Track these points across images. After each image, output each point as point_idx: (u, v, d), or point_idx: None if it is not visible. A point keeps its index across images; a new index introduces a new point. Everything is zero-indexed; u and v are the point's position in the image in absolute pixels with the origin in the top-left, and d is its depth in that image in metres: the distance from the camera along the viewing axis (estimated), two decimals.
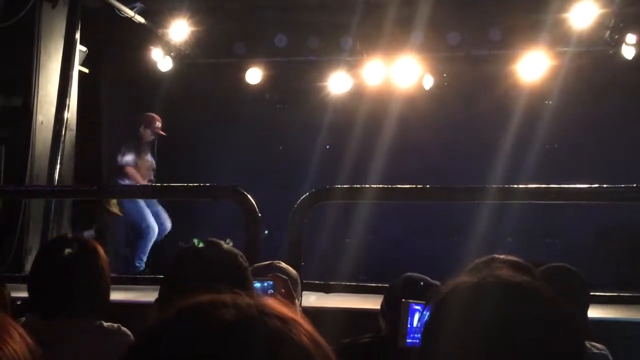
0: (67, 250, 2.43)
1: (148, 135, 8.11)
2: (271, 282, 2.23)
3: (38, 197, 6.32)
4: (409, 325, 2.03)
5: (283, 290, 2.23)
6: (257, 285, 2.22)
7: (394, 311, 2.86)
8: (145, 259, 7.85)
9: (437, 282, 2.90)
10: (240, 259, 2.07)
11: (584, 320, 2.59)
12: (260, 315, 0.82)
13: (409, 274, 2.98)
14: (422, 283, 2.84)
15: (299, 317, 0.85)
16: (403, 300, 2.01)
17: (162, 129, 8.19)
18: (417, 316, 1.99)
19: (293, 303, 2.22)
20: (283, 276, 2.25)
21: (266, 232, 8.73)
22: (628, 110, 8.72)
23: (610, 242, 8.11)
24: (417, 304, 2.00)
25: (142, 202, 7.90)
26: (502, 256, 2.25)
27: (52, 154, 6.66)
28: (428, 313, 1.24)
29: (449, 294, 1.18)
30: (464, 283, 1.18)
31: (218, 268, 2.01)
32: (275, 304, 0.86)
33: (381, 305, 2.95)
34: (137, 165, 7.99)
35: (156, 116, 8.13)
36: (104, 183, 8.76)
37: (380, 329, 2.90)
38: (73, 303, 2.41)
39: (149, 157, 8.20)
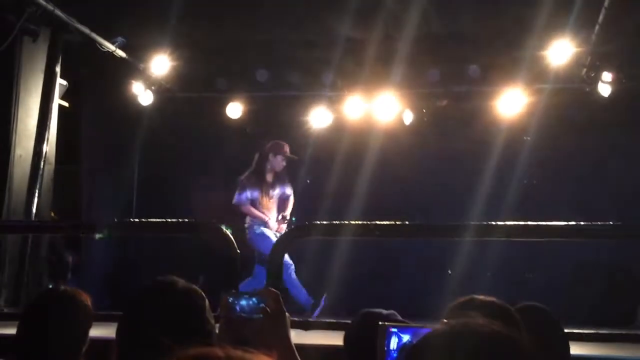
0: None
1: (279, 164, 7.92)
2: (255, 300, 2.20)
3: (14, 232, 6.25)
4: (386, 349, 2.01)
5: (273, 306, 2.20)
6: (244, 303, 2.20)
7: (352, 349, 2.84)
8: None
9: (392, 312, 2.89)
10: (197, 298, 2.04)
11: None
12: None
13: (364, 310, 2.97)
14: (379, 317, 2.82)
15: None
16: (380, 323, 2.00)
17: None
18: (394, 340, 1.98)
19: (283, 320, 2.20)
20: (274, 290, 2.23)
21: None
22: (605, 146, 8.83)
23: (588, 279, 8.14)
24: (394, 327, 1.99)
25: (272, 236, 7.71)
26: (481, 297, 2.26)
27: (30, 187, 6.60)
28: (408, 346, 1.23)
29: (424, 343, 1.17)
30: (440, 331, 1.17)
31: (173, 308, 1.98)
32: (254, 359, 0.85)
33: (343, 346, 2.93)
34: (258, 201, 7.81)
35: (281, 142, 8.00)
36: (83, 217, 8.70)
37: None
38: (51, 347, 2.49)
39: (278, 189, 7.99)
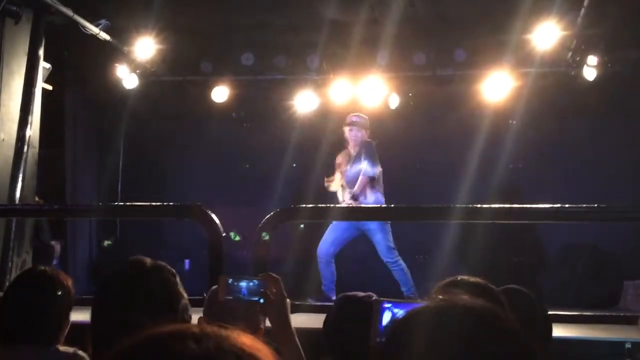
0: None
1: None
2: (256, 282, 2.20)
3: None
4: (380, 325, 2.01)
5: (274, 290, 2.20)
6: (243, 284, 2.20)
7: (330, 333, 2.85)
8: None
9: (370, 293, 2.89)
10: (167, 274, 2.04)
11: (545, 348, 2.60)
12: (217, 352, 0.81)
13: (341, 294, 2.98)
14: (357, 299, 2.83)
15: (259, 350, 0.84)
16: (374, 298, 2.00)
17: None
18: (387, 315, 1.98)
19: (284, 304, 2.20)
20: (275, 275, 2.23)
21: (237, 238, 8.65)
22: (589, 130, 8.87)
23: (572, 261, 8.20)
24: (387, 302, 1.99)
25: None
26: (466, 277, 2.27)
27: (13, 172, 6.53)
28: (388, 335, 1.23)
29: (409, 319, 1.17)
30: (426, 306, 1.17)
31: (144, 286, 1.98)
32: (236, 337, 0.84)
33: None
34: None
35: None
36: (67, 200, 8.66)
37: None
38: (30, 330, 2.48)
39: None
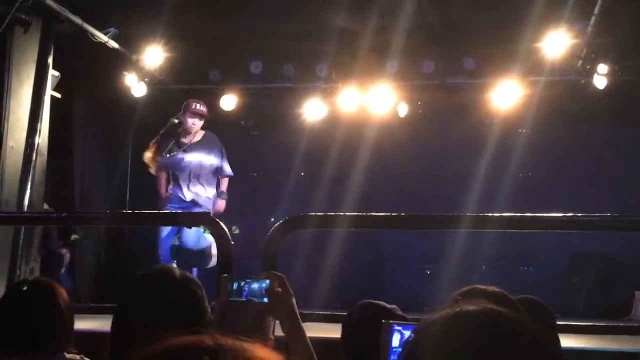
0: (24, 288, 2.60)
1: (187, 123, 7.55)
2: (260, 282, 2.17)
3: (7, 224, 6.18)
4: (390, 347, 1.99)
5: (280, 289, 2.16)
6: (255, 285, 2.16)
7: (352, 341, 2.81)
8: None
9: (395, 306, 2.86)
10: (195, 288, 2.01)
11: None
12: None
13: (365, 301, 2.94)
14: (382, 310, 2.80)
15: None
16: (384, 321, 1.98)
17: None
18: (396, 337, 1.96)
19: (291, 302, 2.16)
20: (279, 274, 2.19)
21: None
22: (600, 139, 8.83)
23: (583, 271, 8.14)
24: (397, 325, 1.97)
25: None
26: (482, 286, 2.23)
27: (22, 180, 6.54)
28: (409, 340, 1.20)
29: (430, 324, 1.14)
30: (447, 313, 1.14)
31: (171, 297, 1.95)
32: (252, 350, 0.81)
33: (341, 337, 2.90)
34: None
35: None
36: (76, 208, 8.66)
37: None
38: (35, 338, 2.44)
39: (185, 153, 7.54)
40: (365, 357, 2.69)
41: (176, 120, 7.63)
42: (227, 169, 7.74)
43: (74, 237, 6.89)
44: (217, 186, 7.77)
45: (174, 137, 7.60)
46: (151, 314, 1.86)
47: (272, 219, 8.17)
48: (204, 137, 7.70)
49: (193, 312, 1.93)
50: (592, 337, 5.00)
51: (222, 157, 7.70)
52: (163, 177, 7.70)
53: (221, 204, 7.64)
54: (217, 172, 7.70)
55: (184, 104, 7.69)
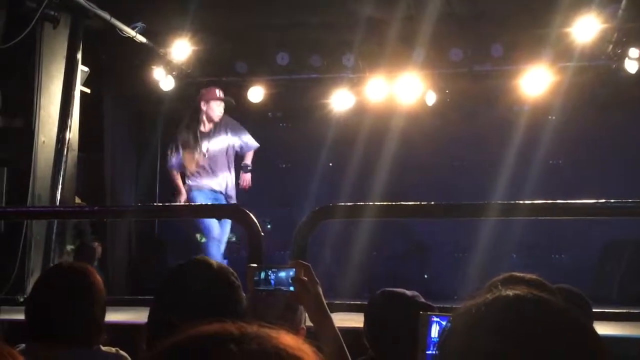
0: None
1: (214, 111, 7.55)
2: (287, 271, 2.18)
3: (40, 218, 6.27)
4: (428, 338, 1.98)
5: (305, 278, 2.17)
6: (282, 274, 2.17)
7: (374, 329, 2.81)
8: None
9: (416, 293, 2.85)
10: (232, 278, 2.02)
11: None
12: (259, 354, 0.78)
13: (385, 289, 2.93)
14: (406, 298, 2.80)
15: (303, 351, 0.82)
16: (421, 312, 1.97)
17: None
18: (435, 328, 1.95)
19: (317, 290, 2.17)
20: (305, 262, 2.20)
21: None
22: (631, 125, 8.70)
23: (616, 258, 8.04)
24: (436, 316, 1.96)
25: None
26: (520, 274, 2.22)
27: (54, 175, 6.63)
28: (446, 327, 1.20)
29: (469, 308, 1.13)
30: (486, 298, 1.13)
31: (209, 288, 1.96)
32: (279, 338, 0.82)
33: (363, 325, 2.90)
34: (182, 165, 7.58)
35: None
36: (107, 202, 8.75)
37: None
38: (70, 329, 2.41)
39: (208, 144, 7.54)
40: (388, 345, 2.69)
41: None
42: (252, 141, 7.74)
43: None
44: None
45: (191, 130, 7.61)
46: (188, 304, 1.88)
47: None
48: (221, 120, 7.72)
49: (230, 302, 1.95)
50: (625, 324, 4.94)
51: (244, 133, 7.71)
52: (176, 171, 7.72)
53: (248, 177, 7.66)
54: (243, 149, 7.71)
55: (202, 92, 7.70)
